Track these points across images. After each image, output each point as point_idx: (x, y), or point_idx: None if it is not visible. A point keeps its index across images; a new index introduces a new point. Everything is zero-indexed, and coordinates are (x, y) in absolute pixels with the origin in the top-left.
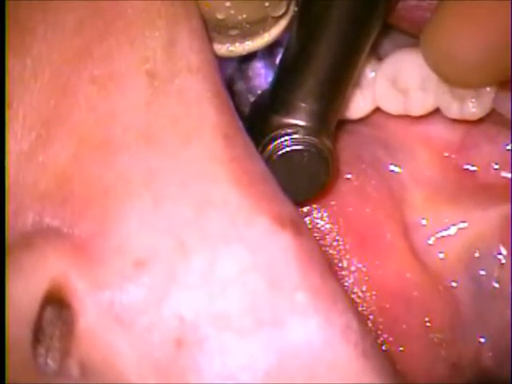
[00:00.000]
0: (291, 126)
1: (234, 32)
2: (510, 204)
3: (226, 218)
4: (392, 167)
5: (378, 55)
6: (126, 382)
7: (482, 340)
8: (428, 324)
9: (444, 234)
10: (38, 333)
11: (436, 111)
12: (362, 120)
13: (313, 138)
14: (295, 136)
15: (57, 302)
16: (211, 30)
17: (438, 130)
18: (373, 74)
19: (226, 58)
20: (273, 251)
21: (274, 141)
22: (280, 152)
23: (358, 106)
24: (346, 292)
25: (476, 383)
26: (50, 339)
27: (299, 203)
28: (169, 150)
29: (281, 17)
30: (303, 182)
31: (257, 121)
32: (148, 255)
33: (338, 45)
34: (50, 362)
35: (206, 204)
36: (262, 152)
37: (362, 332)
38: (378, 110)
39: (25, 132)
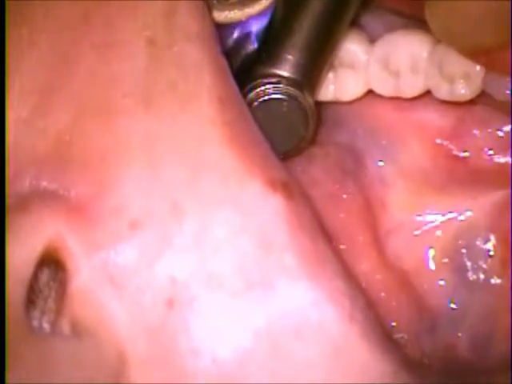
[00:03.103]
0: (275, 76)
1: (234, 0)
2: (510, 189)
3: (219, 180)
4: (379, 162)
5: (370, 37)
6: (116, 341)
7: (460, 334)
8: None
9: (430, 225)
10: (32, 294)
11: (428, 98)
12: (351, 111)
13: (294, 90)
14: (277, 85)
15: (52, 264)
16: None
17: (430, 117)
18: (365, 57)
19: (225, 25)
20: (264, 214)
21: (255, 88)
22: (260, 99)
23: (351, 88)
24: (336, 255)
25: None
26: (44, 301)
27: (279, 155)
28: (166, 115)
29: None
30: (282, 132)
31: (242, 70)
32: (143, 217)
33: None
34: (44, 324)
35: (200, 167)
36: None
37: (350, 295)
38: (369, 100)
39: (22, 99)
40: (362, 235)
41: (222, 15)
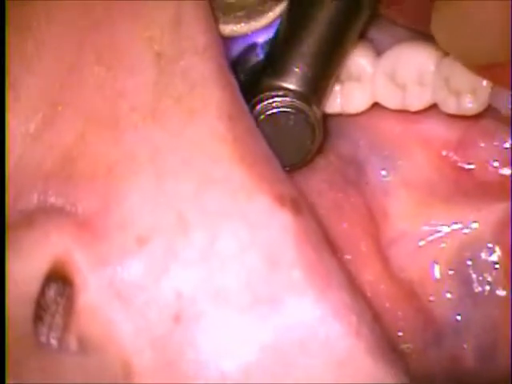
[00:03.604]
0: (282, 89)
1: (240, 13)
2: (510, 202)
3: (228, 195)
4: (382, 173)
5: (377, 50)
6: (123, 356)
7: (465, 346)
8: (401, 334)
9: (435, 236)
10: (39, 310)
11: (434, 110)
12: (355, 122)
13: (301, 103)
14: (284, 99)
15: (59, 279)
16: (216, 10)
17: (436, 130)
18: (372, 69)
19: (230, 38)
20: (272, 229)
21: (262, 101)
22: (267, 113)
23: (357, 100)
24: (343, 270)
25: None
26: (51, 317)
27: (285, 167)
28: (174, 128)
29: None
30: (289, 146)
31: (249, 83)
32: (149, 231)
33: (334, 11)
34: (51, 340)
35: (208, 181)
36: (250, 111)
37: (357, 310)
38: (374, 112)
39: (29, 113)
40: (366, 245)
41: (228, 28)
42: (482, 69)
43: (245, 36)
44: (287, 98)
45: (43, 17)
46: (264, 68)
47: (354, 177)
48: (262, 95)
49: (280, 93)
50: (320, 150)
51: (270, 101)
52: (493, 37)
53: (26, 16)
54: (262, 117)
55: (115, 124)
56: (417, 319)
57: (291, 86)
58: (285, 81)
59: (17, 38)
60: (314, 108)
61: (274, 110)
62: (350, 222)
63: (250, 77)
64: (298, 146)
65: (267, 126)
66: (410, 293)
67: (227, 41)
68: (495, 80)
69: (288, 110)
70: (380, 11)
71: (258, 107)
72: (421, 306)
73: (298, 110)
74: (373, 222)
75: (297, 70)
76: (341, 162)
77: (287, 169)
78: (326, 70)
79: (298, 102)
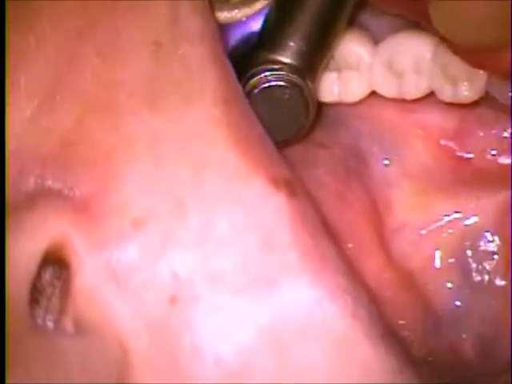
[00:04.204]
0: (276, 63)
1: (236, 0)
2: (510, 191)
3: (223, 179)
4: (384, 161)
5: (374, 39)
6: (119, 338)
7: (464, 336)
8: (402, 322)
9: (436, 225)
10: (36, 293)
11: (431, 99)
12: (355, 112)
13: (296, 77)
14: (278, 72)
15: (56, 262)
16: None
17: (434, 118)
18: (369, 58)
19: (226, 25)
20: (267, 212)
21: (256, 75)
22: (261, 86)
23: (355, 89)
24: (339, 253)
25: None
26: (48, 300)
27: (279, 143)
28: (171, 114)
29: None
30: (283, 120)
31: (243, 56)
32: (146, 215)
33: None
34: (48, 322)
35: (205, 166)
36: (244, 86)
37: (353, 292)
38: (373, 101)
39: (28, 99)
40: (369, 235)
41: (222, 15)
42: (478, 55)
43: (242, 24)
44: (282, 72)
45: (45, 11)
46: (259, 42)
47: (356, 168)
48: (256, 69)
49: (275, 66)
50: (321, 141)
51: (265, 74)
52: (491, 23)
53: (27, 11)
54: (257, 90)
55: (113, 110)
56: (417, 308)
57: (286, 60)
58: (280, 54)
59: (18, 31)
60: (309, 82)
61: (269, 84)
62: (353, 213)
63: (245, 51)
64: (291, 121)
65: (261, 99)
66: (411, 282)
67: (224, 28)
68: (491, 69)
69: (282, 83)
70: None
71: (252, 81)
72: (421, 294)
73: (293, 84)
74: (375, 212)
75: (292, 44)
76: (343, 153)
77: (281, 145)
78: (320, 45)
79: (292, 75)
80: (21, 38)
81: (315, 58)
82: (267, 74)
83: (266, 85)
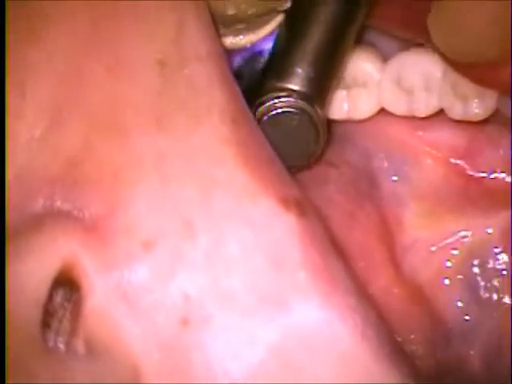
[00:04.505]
0: (285, 90)
1: (240, 26)
2: (510, 209)
3: (232, 198)
4: (393, 180)
5: (382, 56)
6: (131, 359)
7: (471, 350)
8: (412, 336)
9: (445, 243)
10: (47, 315)
11: (441, 118)
12: (363, 129)
13: (305, 103)
14: (287, 99)
15: (67, 284)
16: (216, 23)
17: (443, 136)
18: (378, 75)
19: (231, 51)
20: (276, 231)
21: (265, 103)
22: (271, 114)
23: (364, 106)
24: (348, 273)
25: None
26: (59, 322)
27: (290, 168)
28: (178, 133)
29: None
30: (294, 146)
31: (252, 84)
32: (155, 235)
33: (335, 11)
34: (59, 344)
35: (213, 185)
36: (253, 114)
37: (362, 312)
38: (381, 118)
39: (37, 118)
40: (379, 252)
41: (227, 41)
42: (477, 70)
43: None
44: (290, 99)
45: (53, 27)
46: (266, 70)
47: (365, 187)
48: (265, 97)
49: (283, 94)
50: (331, 160)
51: (274, 102)
52: (489, 37)
53: (36, 26)
54: (266, 118)
55: (120, 130)
56: (426, 321)
57: (294, 87)
58: (288, 82)
59: (27, 46)
60: (318, 109)
61: (278, 111)
62: (364, 232)
63: (254, 79)
64: (302, 148)
65: (271, 127)
66: (420, 296)
67: (228, 52)
68: (491, 83)
69: (291, 110)
70: (372, 24)
71: (261, 108)
72: (430, 310)
73: (302, 111)
74: (386, 230)
75: (299, 70)
76: (352, 171)
77: (292, 170)
78: (328, 71)
79: (301, 102)
80: (30, 50)
81: (323, 83)
82: (276, 101)
83: (275, 112)
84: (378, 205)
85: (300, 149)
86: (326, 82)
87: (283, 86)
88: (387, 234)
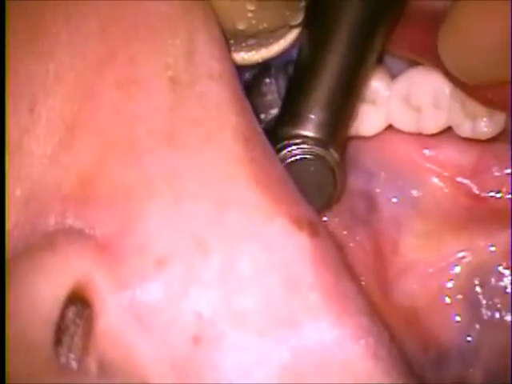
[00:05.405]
0: (299, 137)
1: (252, 41)
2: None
3: (245, 217)
4: (393, 200)
5: (391, 73)
6: (143, 379)
7: (472, 370)
8: None
9: (447, 262)
10: (60, 332)
11: (448, 135)
12: (367, 149)
13: (320, 149)
14: (302, 146)
15: (79, 302)
16: (229, 38)
17: (450, 154)
18: (386, 92)
19: (240, 68)
20: (289, 251)
21: (281, 151)
22: (287, 161)
23: (372, 123)
24: (360, 293)
25: None
26: (70, 338)
27: None
28: (190, 151)
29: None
30: (310, 192)
31: (266, 132)
32: (168, 254)
33: (346, 55)
34: (71, 361)
35: (226, 203)
36: None
37: (374, 332)
38: (387, 136)
39: (48, 136)
40: (365, 280)
41: (239, 56)
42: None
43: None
44: (305, 145)
45: (65, 44)
46: (280, 117)
47: (363, 211)
48: (280, 144)
49: (298, 140)
50: None
51: (289, 149)
52: (499, 58)
53: (48, 43)
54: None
55: (132, 147)
56: (419, 346)
57: (308, 133)
58: (302, 128)
59: (38, 62)
60: (333, 152)
61: (294, 158)
62: (351, 260)
63: (268, 126)
64: (319, 192)
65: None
66: (412, 320)
67: (239, 68)
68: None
69: (307, 156)
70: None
71: (278, 156)
72: (425, 332)
73: (317, 156)
74: (378, 257)
75: (313, 116)
76: (349, 194)
77: None
78: (341, 114)
79: (316, 148)
80: (40, 66)
81: (337, 127)
82: (291, 148)
83: (291, 159)
84: (374, 231)
85: (318, 193)
86: (339, 125)
87: (297, 133)
88: (380, 262)
